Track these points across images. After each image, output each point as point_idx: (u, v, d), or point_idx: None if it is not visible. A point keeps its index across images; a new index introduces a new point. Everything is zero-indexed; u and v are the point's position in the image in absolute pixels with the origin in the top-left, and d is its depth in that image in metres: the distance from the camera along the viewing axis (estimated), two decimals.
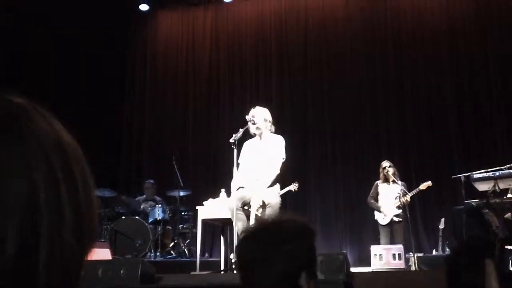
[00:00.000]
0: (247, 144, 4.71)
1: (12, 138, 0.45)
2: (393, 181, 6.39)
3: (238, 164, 4.64)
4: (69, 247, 0.45)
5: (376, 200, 6.52)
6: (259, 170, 4.59)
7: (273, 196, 4.45)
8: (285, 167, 4.73)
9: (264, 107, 4.85)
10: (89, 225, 0.49)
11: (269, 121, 4.71)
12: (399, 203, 6.32)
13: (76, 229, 0.46)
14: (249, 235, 1.31)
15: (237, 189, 4.60)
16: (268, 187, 4.51)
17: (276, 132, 4.83)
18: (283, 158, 4.61)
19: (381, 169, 6.54)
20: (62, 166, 0.47)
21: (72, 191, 0.47)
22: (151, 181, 7.92)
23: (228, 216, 4.58)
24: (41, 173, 0.45)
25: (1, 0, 7.52)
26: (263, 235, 1.26)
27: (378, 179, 6.59)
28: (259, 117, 4.65)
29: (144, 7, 9.79)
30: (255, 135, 4.74)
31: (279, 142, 4.66)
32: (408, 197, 6.26)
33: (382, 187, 6.51)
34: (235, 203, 4.39)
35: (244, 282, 1.26)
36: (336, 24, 9.07)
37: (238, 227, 4.34)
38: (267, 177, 4.50)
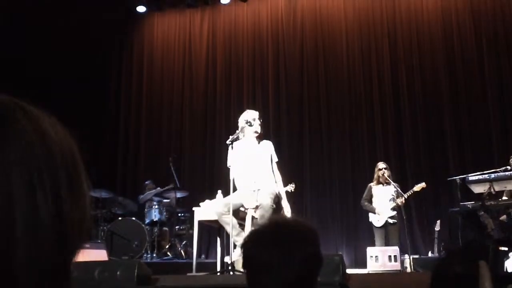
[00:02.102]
0: (236, 148, 4.63)
1: None
2: (387, 183, 6.40)
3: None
4: (49, 251, 0.44)
5: (370, 202, 6.52)
6: (254, 172, 4.62)
7: (265, 198, 4.47)
8: (280, 167, 4.83)
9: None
10: (78, 225, 0.47)
11: (257, 123, 4.73)
12: (394, 204, 6.33)
13: (60, 231, 0.45)
14: (255, 237, 1.29)
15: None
16: (263, 188, 4.56)
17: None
18: (277, 161, 4.82)
19: (376, 170, 6.52)
20: (46, 168, 0.45)
21: (55, 194, 0.45)
22: (147, 181, 8.13)
23: None
24: (20, 178, 0.43)
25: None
26: (272, 239, 1.23)
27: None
28: (242, 120, 4.74)
29: (141, 8, 9.79)
30: (240, 138, 4.77)
31: (271, 146, 4.82)
32: (402, 199, 6.26)
33: (376, 189, 6.51)
34: (222, 208, 4.44)
35: (251, 285, 1.24)
36: (333, 26, 9.08)
37: (228, 230, 4.39)
38: (278, 180, 4.76)
